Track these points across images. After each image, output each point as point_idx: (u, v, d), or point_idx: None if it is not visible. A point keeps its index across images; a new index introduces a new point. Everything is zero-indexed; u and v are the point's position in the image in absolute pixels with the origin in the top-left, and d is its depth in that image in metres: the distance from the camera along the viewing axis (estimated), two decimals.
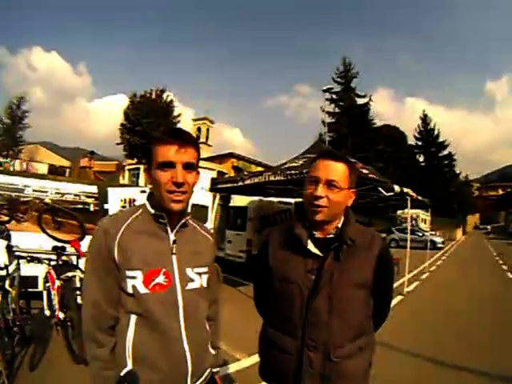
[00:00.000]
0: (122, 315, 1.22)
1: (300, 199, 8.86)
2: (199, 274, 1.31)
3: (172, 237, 1.27)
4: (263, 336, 1.56)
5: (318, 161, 1.38)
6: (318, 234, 1.40)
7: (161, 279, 1.21)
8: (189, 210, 1.36)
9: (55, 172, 32.58)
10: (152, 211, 1.27)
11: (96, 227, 1.25)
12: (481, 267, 13.98)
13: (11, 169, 30.70)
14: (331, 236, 1.40)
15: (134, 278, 1.18)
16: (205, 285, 1.33)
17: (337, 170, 1.33)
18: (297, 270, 1.39)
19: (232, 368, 3.77)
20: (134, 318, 1.20)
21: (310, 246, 1.38)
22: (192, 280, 1.28)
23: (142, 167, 34.45)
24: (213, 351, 1.43)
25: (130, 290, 1.19)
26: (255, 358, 3.73)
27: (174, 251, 1.26)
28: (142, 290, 1.18)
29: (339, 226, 1.40)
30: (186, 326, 1.23)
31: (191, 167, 1.22)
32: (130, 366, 1.18)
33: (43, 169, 34.32)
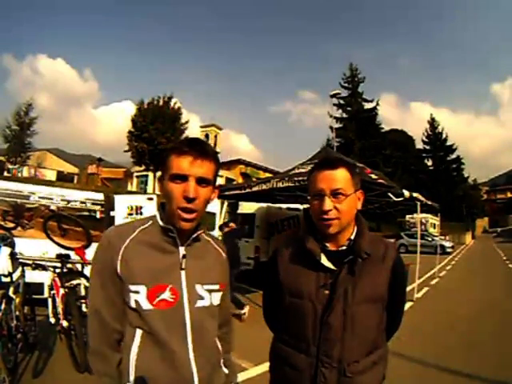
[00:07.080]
0: (127, 329, 1.16)
1: (308, 205, 8.81)
2: (209, 291, 1.23)
3: (182, 251, 1.19)
4: (274, 352, 1.49)
5: (316, 172, 1.31)
6: (330, 247, 1.35)
7: (166, 295, 1.13)
8: None
9: (63, 179, 32.94)
10: (161, 223, 1.20)
11: (102, 235, 1.19)
12: (490, 271, 13.82)
13: (19, 175, 31.03)
14: (344, 248, 1.34)
15: (137, 292, 1.12)
16: (215, 303, 1.25)
17: (339, 178, 1.28)
18: (309, 285, 1.33)
19: (239, 378, 3.68)
20: (139, 332, 1.13)
21: (324, 260, 1.32)
22: (202, 297, 1.20)
23: (150, 174, 34.74)
24: (226, 370, 1.34)
25: (133, 305, 1.12)
26: (262, 368, 3.68)
27: (182, 266, 1.17)
28: (146, 305, 1.11)
29: (352, 237, 1.35)
30: (195, 345, 1.15)
31: (206, 182, 1.14)
32: (132, 383, 1.11)
33: (51, 175, 34.67)
